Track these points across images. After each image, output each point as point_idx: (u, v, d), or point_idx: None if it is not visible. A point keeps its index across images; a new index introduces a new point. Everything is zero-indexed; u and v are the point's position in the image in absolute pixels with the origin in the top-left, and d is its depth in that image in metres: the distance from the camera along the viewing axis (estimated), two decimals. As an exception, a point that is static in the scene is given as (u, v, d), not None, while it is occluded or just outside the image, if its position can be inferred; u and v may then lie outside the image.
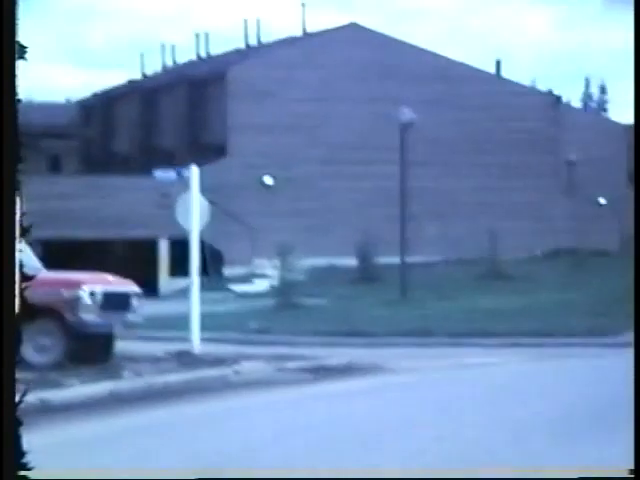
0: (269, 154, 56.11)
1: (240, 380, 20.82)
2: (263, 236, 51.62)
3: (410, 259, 44.05)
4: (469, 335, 31.01)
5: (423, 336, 30.96)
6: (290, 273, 42.18)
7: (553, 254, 56.35)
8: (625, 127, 76.32)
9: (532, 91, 69.83)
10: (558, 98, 66.93)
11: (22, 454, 3.33)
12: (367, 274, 48.92)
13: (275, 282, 43.09)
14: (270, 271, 44.80)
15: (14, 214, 3.05)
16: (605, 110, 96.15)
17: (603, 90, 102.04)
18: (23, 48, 3.11)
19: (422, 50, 62.84)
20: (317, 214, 56.05)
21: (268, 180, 56.83)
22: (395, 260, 44.46)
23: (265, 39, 66.08)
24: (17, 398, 3.25)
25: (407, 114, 45.14)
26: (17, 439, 3.27)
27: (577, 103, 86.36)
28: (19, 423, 3.30)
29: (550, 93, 67.67)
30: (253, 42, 66.26)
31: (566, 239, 57.52)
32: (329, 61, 59.03)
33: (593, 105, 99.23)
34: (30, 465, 3.42)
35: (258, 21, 65.57)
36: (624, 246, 59.31)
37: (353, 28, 62.10)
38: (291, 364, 23.07)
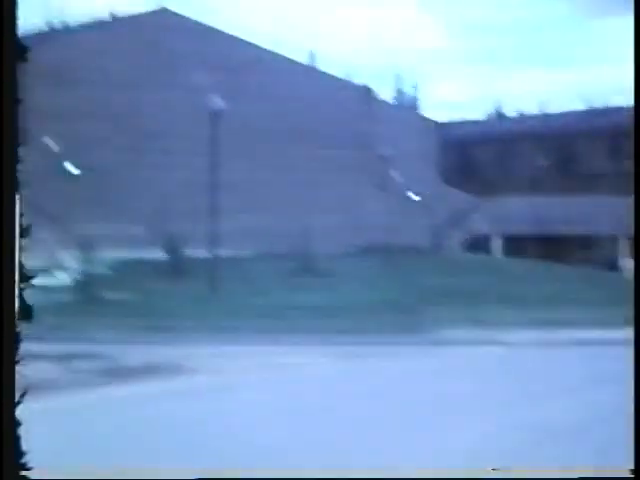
0: (73, 141, 52.88)
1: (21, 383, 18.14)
2: (65, 227, 48.69)
3: (221, 253, 42.22)
4: (279, 332, 29.36)
5: (232, 333, 29.18)
6: (92, 266, 39.99)
7: (366, 250, 54.16)
8: (437, 124, 76.62)
9: (346, 84, 67.78)
10: (371, 92, 65.63)
11: (21, 454, 3.11)
12: (176, 268, 46.53)
13: (77, 275, 40.53)
14: (72, 264, 42.57)
15: (14, 214, 2.87)
16: (417, 108, 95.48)
17: (415, 88, 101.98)
18: (23, 48, 2.83)
19: (235, 38, 60.85)
20: (123, 205, 53.33)
21: (71, 168, 53.80)
22: (205, 254, 42.72)
23: (71, 22, 63.54)
24: (17, 398, 3.07)
25: (217, 102, 43.40)
26: (17, 439, 3.08)
27: (390, 99, 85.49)
28: (18, 423, 3.11)
29: (364, 87, 66.57)
30: (57, 24, 63.90)
31: (378, 235, 55.21)
32: (137, 47, 56.30)
33: (405, 102, 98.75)
34: (29, 465, 3.15)
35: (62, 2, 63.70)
36: (435, 242, 58.81)
37: (163, 13, 59.71)
38: (84, 364, 21.21)
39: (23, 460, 3.27)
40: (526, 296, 36.15)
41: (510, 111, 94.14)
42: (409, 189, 62.06)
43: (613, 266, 62.69)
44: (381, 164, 60.77)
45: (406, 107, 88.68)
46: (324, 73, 65.51)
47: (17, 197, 2.94)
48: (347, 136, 60.57)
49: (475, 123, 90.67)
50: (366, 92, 64.73)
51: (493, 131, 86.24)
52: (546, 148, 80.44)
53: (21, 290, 3.29)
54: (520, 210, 67.87)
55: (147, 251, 48.07)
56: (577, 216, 67.13)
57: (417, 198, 62.06)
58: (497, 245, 67.81)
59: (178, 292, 39.80)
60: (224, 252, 42.91)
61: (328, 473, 9.35)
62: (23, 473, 3.15)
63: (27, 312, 3.46)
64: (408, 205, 61.82)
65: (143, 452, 11.98)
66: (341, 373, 21.98)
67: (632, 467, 4.97)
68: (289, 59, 62.72)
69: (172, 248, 47.86)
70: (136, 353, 23.64)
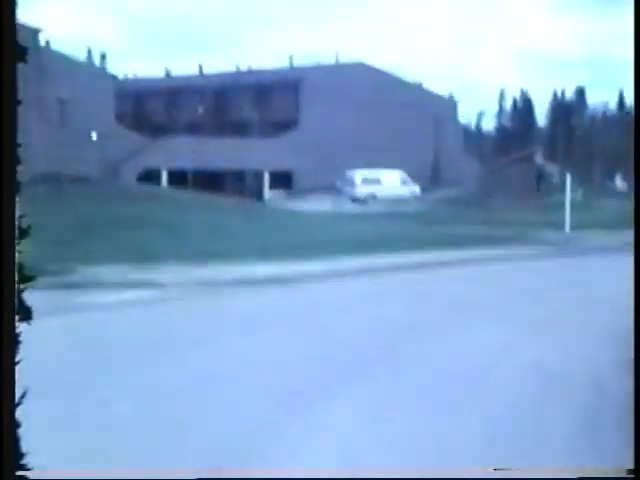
0: None
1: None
2: None
3: None
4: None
5: None
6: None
7: (39, 178, 45.96)
8: (117, 79, 74.86)
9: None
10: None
11: (21, 455, 2.31)
12: None
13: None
14: None
15: (14, 215, 2.16)
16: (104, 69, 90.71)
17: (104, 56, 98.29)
18: (23, 49, 2.07)
19: None
20: None
21: None
22: None
23: None
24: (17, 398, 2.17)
25: None
26: (17, 440, 2.26)
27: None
28: (18, 424, 2.28)
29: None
30: None
31: (57, 167, 45.70)
32: None
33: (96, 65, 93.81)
34: (29, 466, 2.32)
35: None
36: (105, 174, 53.54)
37: None
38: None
39: (23, 461, 2.25)
40: (186, 222, 31.43)
41: (177, 70, 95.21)
42: (90, 129, 57.36)
43: (259, 195, 62.70)
44: (60, 105, 55.12)
45: (89, 64, 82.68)
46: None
47: (17, 198, 2.03)
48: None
49: (149, 80, 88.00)
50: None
51: (162, 86, 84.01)
52: (204, 100, 79.07)
53: (21, 291, 2.20)
54: (182, 149, 64.97)
55: None
56: (229, 155, 65.35)
57: (95, 137, 57.88)
58: (165, 178, 64.02)
59: None
60: None
61: (328, 473, 6.88)
62: (23, 473, 2.20)
63: (27, 312, 2.23)
64: (87, 142, 56.46)
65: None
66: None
67: (632, 467, 3.60)
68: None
69: None
70: None
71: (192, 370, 10.42)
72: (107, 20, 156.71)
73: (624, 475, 3.56)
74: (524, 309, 16.43)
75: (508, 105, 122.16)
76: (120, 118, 67.66)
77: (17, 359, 2.14)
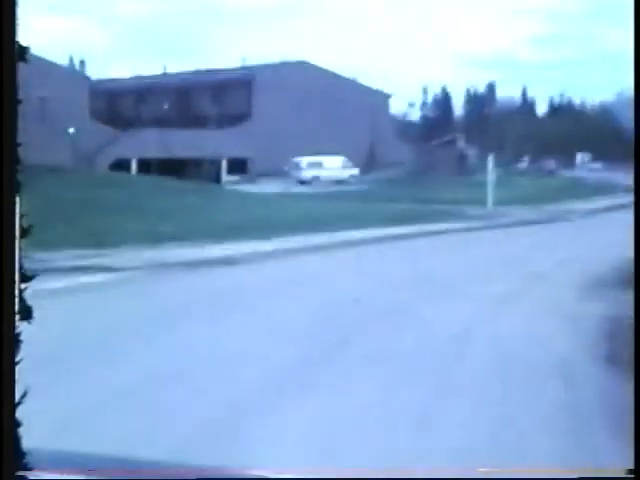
0: None
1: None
2: None
3: None
4: None
5: None
6: None
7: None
8: (92, 80, 74.12)
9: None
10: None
11: (22, 455, 1.60)
12: None
13: None
14: None
15: (14, 215, 1.53)
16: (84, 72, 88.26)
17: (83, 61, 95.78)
18: (23, 48, 1.51)
19: None
20: None
21: None
22: None
23: None
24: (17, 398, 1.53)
25: None
26: (17, 440, 1.57)
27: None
28: (18, 423, 1.56)
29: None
30: None
31: (30, 157, 44.91)
32: None
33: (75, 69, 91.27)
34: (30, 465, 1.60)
35: None
36: (79, 163, 50.98)
37: None
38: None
39: (23, 461, 1.61)
40: (149, 205, 29.06)
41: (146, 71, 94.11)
42: (66, 124, 55.68)
43: (217, 180, 61.17)
44: (40, 104, 52.75)
45: (66, 67, 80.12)
46: None
47: (17, 198, 1.57)
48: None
49: (120, 80, 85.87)
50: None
51: (132, 85, 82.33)
52: (168, 97, 77.75)
53: (21, 291, 1.61)
54: (150, 140, 63.37)
55: None
56: (191, 144, 64.11)
57: (72, 131, 56.28)
58: (134, 167, 62.29)
59: None
60: None
61: (328, 473, 4.35)
62: (23, 473, 1.61)
63: (27, 312, 1.61)
64: (63, 136, 54.52)
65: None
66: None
67: (632, 467, 2.63)
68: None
69: None
70: None
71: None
72: (85, 28, 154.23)
73: (624, 475, 2.60)
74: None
75: (430, 98, 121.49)
76: (94, 114, 66.53)
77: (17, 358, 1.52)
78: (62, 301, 12.85)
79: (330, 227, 23.68)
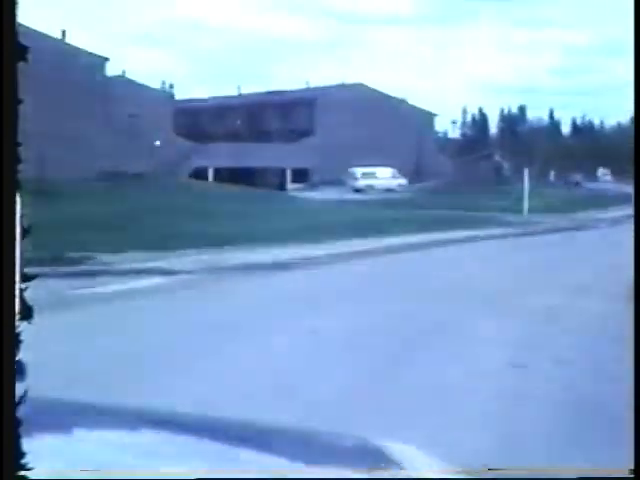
0: None
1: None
2: None
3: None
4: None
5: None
6: None
7: (100, 176, 38.25)
8: (176, 100, 74.84)
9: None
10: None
11: (22, 454, 1.25)
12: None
13: None
14: None
15: (14, 214, 1.20)
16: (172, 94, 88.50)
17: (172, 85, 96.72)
18: (23, 47, 1.22)
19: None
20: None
21: None
22: None
23: None
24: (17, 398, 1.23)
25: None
26: (17, 439, 1.24)
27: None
28: (19, 423, 1.23)
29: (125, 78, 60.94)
30: None
31: (116, 165, 41.20)
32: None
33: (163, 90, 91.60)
34: (29, 465, 1.27)
35: None
36: (161, 172, 49.86)
37: None
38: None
39: (23, 460, 1.30)
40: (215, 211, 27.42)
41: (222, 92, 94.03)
42: (153, 138, 55.63)
43: (283, 187, 60.86)
44: (132, 120, 52.64)
45: (156, 89, 79.88)
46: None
47: (17, 198, 1.26)
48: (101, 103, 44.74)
49: (200, 100, 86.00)
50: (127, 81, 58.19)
51: (210, 104, 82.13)
52: (241, 115, 77.39)
53: (22, 290, 1.26)
54: (225, 152, 62.93)
55: None
56: (260, 156, 63.55)
57: (158, 143, 56.26)
58: (210, 175, 62.04)
59: None
60: None
61: (328, 473, 2.42)
62: (23, 473, 1.27)
63: (27, 312, 1.27)
64: (149, 147, 54.23)
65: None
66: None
67: (632, 467, 2.00)
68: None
69: None
70: None
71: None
72: (173, 57, 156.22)
73: (624, 475, 1.99)
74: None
75: (469, 118, 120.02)
76: (177, 129, 66.65)
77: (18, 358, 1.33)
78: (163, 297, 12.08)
79: (382, 231, 22.55)
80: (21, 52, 1.19)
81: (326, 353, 8.32)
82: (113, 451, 1.52)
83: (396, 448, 1.63)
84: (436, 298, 11.85)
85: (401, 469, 1.51)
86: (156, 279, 13.53)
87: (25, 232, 1.21)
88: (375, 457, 1.60)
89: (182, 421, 1.84)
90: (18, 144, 1.19)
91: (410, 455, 1.59)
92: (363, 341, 8.77)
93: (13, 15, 1.19)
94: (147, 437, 1.66)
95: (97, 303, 11.20)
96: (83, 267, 14.35)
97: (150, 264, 14.92)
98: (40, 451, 1.33)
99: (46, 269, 12.47)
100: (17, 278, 1.18)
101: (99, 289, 12.41)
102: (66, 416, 1.72)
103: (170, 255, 16.15)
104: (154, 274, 13.89)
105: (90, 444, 1.58)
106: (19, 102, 1.20)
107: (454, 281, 13.83)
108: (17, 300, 1.19)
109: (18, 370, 1.20)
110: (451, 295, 12.21)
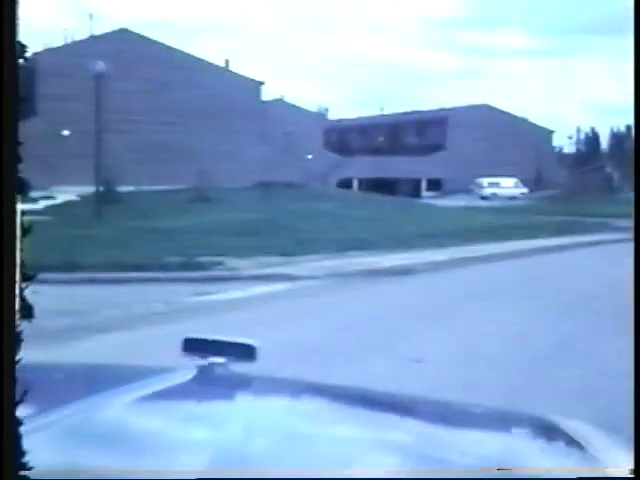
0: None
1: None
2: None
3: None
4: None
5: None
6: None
7: (256, 186, 37.85)
8: (327, 119, 76.06)
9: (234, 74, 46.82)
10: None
11: (22, 454, 1.07)
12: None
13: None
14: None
15: (15, 214, 1.04)
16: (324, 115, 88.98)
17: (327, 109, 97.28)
18: (23, 47, 1.06)
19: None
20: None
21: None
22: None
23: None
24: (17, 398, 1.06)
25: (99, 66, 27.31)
26: (17, 439, 1.06)
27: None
28: (19, 423, 1.07)
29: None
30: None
31: (272, 176, 40.25)
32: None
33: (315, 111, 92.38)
34: (30, 465, 1.08)
35: None
36: (308, 178, 49.28)
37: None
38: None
39: (23, 460, 1.10)
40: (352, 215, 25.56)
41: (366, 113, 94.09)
42: (305, 152, 56.62)
43: (418, 195, 59.97)
44: (287, 137, 53.71)
45: (309, 110, 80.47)
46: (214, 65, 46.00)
47: (18, 197, 1.08)
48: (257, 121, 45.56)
49: (347, 120, 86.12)
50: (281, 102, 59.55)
51: (355, 123, 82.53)
52: (382, 132, 77.21)
53: (22, 290, 1.08)
54: (368, 165, 63.20)
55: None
56: (399, 168, 63.52)
57: (309, 157, 57.27)
58: (356, 184, 62.27)
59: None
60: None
61: (327, 473, 2.39)
62: (23, 473, 1.08)
63: (28, 312, 1.10)
64: (304, 160, 55.04)
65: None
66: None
67: (632, 467, 1.44)
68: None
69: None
70: None
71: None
72: (331, 88, 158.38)
73: (624, 475, 1.51)
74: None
75: (582, 135, 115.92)
76: (327, 145, 67.60)
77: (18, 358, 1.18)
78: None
79: (506, 236, 21.92)
80: (21, 50, 1.08)
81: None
82: (280, 415, 1.46)
83: (571, 425, 1.44)
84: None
85: (580, 448, 1.34)
86: (278, 285, 12.02)
87: (25, 231, 1.04)
88: (552, 433, 1.43)
89: (338, 392, 1.76)
90: (18, 144, 1.08)
91: (587, 433, 1.41)
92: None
93: (13, 15, 1.08)
94: (308, 404, 1.60)
95: (208, 312, 9.65)
96: (208, 272, 12.69)
97: (275, 270, 13.27)
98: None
99: (172, 274, 11.94)
100: (17, 278, 1.06)
101: (214, 296, 10.97)
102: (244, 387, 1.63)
103: (299, 260, 14.44)
104: (277, 280, 12.40)
105: (261, 410, 1.51)
106: (20, 101, 1.09)
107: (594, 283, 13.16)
108: (17, 300, 1.07)
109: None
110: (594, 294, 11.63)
